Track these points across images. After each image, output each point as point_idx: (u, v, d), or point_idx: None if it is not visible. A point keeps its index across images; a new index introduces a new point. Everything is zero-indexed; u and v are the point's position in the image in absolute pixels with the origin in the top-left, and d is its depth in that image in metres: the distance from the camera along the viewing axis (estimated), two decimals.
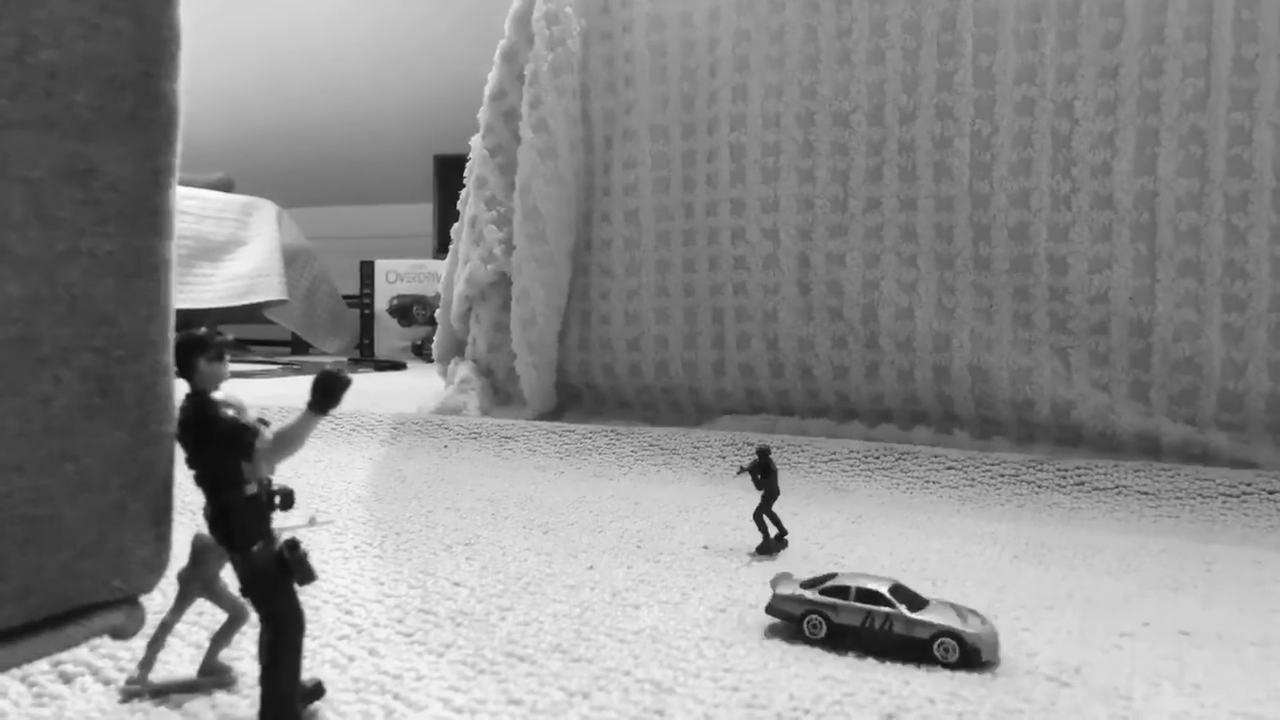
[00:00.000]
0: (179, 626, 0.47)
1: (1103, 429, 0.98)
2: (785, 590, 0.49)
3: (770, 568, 0.63)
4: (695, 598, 0.55)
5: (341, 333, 3.11)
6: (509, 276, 1.27)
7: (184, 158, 0.36)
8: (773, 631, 0.49)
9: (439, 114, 3.12)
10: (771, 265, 1.14)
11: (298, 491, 0.85)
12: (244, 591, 0.36)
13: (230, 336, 0.36)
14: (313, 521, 0.73)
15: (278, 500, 0.36)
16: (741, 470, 0.67)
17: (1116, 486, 0.88)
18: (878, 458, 0.97)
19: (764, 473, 0.66)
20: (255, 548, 0.35)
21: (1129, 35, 0.97)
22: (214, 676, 0.41)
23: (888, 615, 0.46)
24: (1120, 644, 0.48)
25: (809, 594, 0.48)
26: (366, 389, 1.79)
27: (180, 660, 0.44)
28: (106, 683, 0.41)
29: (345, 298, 3.19)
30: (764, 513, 0.67)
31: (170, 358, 0.34)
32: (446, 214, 2.90)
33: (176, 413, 0.35)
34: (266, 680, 0.35)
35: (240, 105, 3.47)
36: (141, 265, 0.33)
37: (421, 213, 3.34)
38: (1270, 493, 0.84)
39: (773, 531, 0.67)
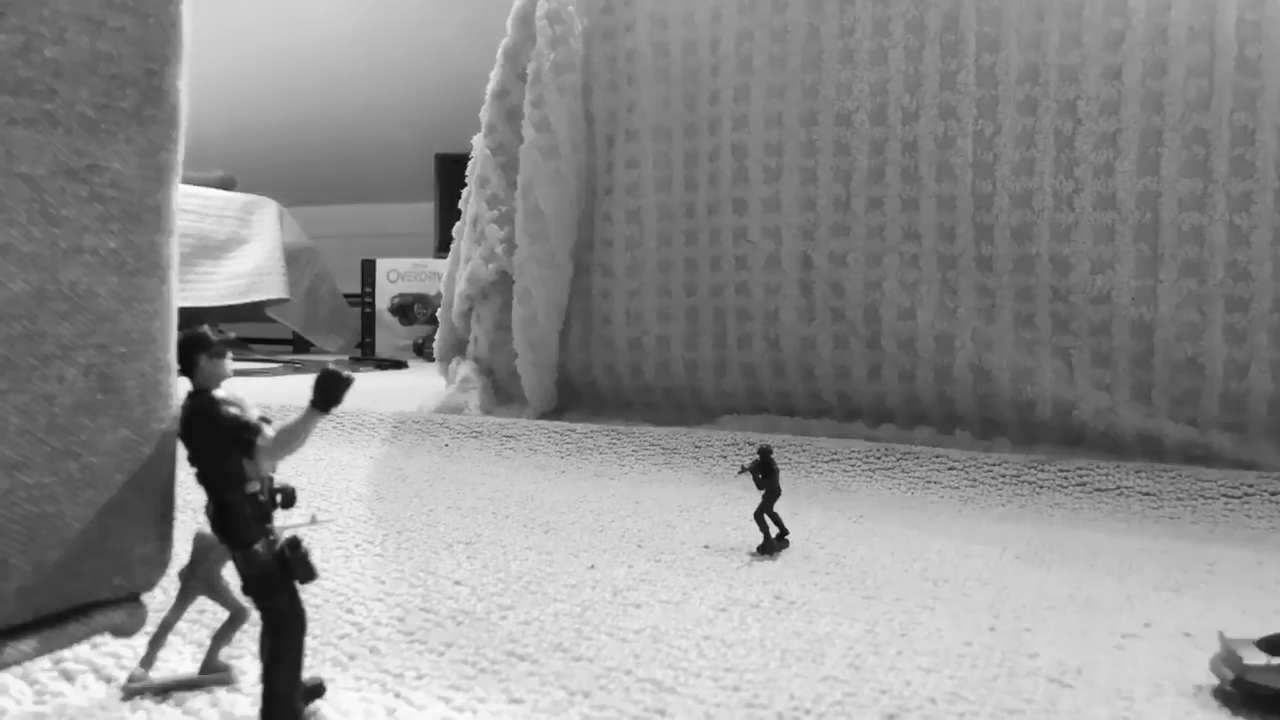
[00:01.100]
0: (180, 624, 0.47)
1: (1105, 430, 0.98)
2: (1255, 659, 0.40)
3: (771, 567, 0.63)
4: (696, 597, 0.55)
5: (343, 331, 3.11)
6: (510, 276, 1.27)
7: (186, 156, 0.36)
8: (1225, 700, 0.41)
9: (440, 113, 3.12)
10: (773, 265, 1.14)
11: (299, 490, 0.85)
12: (245, 590, 0.36)
13: (232, 335, 0.36)
14: (314, 520, 0.73)
15: (279, 498, 0.36)
16: (743, 470, 0.67)
17: (1118, 487, 0.87)
18: (879, 458, 0.97)
19: (765, 472, 0.66)
20: (256, 546, 0.35)
21: (1132, 35, 0.97)
22: (215, 674, 0.41)
23: None
24: (1122, 645, 0.48)
25: None
26: (368, 388, 1.80)
27: (181, 658, 0.44)
28: (108, 680, 0.41)
29: (346, 296, 3.18)
30: (765, 512, 0.67)
31: (172, 355, 0.34)
32: (448, 213, 2.90)
33: (178, 410, 0.35)
34: (267, 678, 0.35)
35: (242, 104, 3.47)
36: (144, 262, 0.33)
37: (423, 212, 3.34)
38: (1272, 494, 0.83)
39: (774, 531, 0.67)
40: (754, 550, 0.66)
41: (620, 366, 1.25)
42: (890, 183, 1.08)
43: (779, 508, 0.68)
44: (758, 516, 0.66)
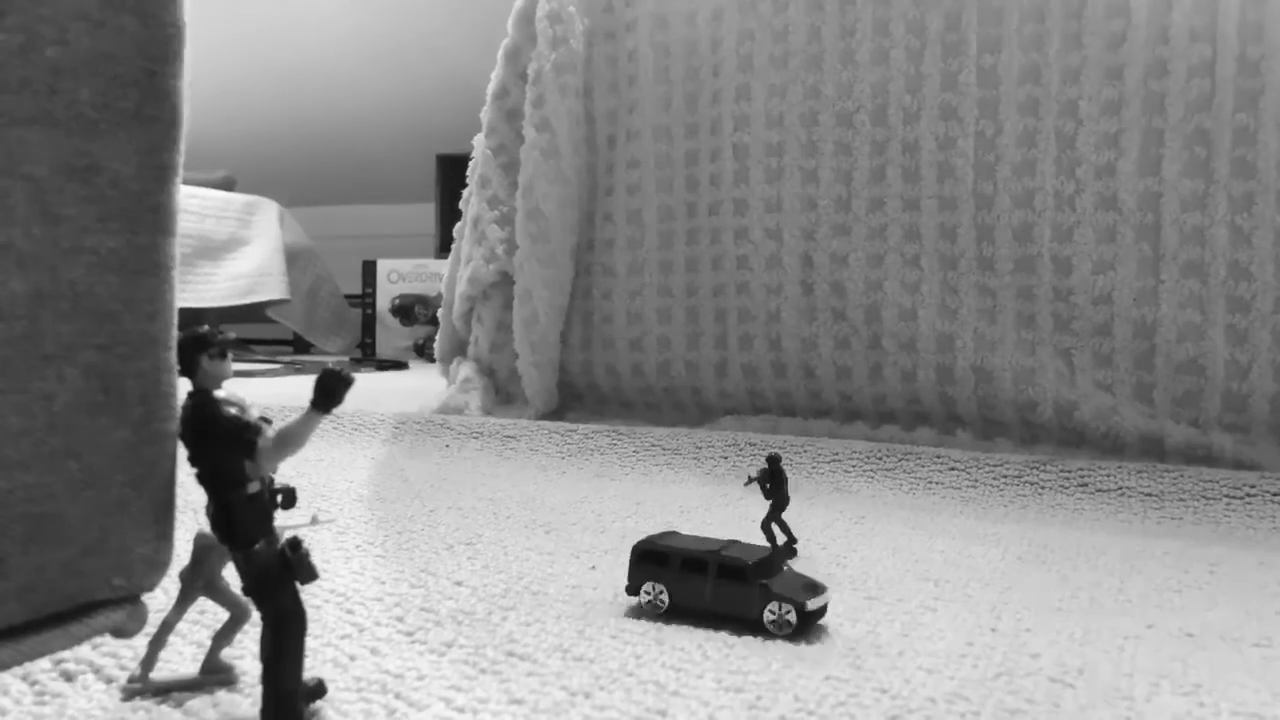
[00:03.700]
0: (181, 625, 0.47)
1: (1106, 430, 0.98)
2: None
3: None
4: None
5: (343, 332, 3.11)
6: (511, 276, 1.27)
7: (187, 156, 0.36)
8: None
9: (441, 113, 3.12)
10: (775, 265, 1.14)
11: (300, 490, 0.85)
12: (246, 590, 0.35)
13: (233, 335, 0.36)
14: (315, 520, 0.73)
15: (280, 499, 0.36)
16: (750, 480, 0.65)
17: (1120, 488, 0.87)
18: (881, 458, 0.97)
19: (774, 481, 0.65)
20: (257, 546, 0.35)
21: (1134, 36, 0.97)
22: (216, 675, 0.41)
23: None
24: (1123, 645, 0.48)
25: None
26: (368, 388, 1.79)
27: (182, 659, 0.44)
28: (108, 681, 0.41)
29: (347, 297, 3.19)
30: (773, 521, 0.65)
31: (173, 356, 0.34)
32: (449, 213, 2.90)
33: (179, 411, 0.35)
34: (268, 679, 0.35)
35: (243, 104, 3.48)
36: (144, 263, 0.33)
37: (424, 212, 3.34)
38: (1274, 494, 0.83)
39: (781, 540, 0.66)
40: None
41: (621, 367, 1.25)
42: (891, 183, 1.07)
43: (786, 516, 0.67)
44: (765, 526, 0.65)
